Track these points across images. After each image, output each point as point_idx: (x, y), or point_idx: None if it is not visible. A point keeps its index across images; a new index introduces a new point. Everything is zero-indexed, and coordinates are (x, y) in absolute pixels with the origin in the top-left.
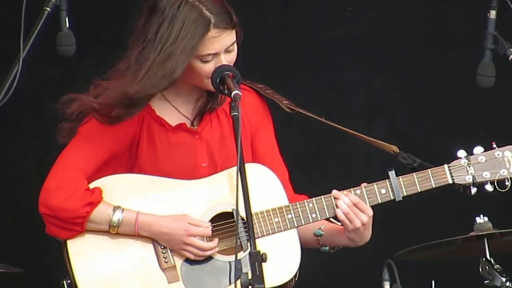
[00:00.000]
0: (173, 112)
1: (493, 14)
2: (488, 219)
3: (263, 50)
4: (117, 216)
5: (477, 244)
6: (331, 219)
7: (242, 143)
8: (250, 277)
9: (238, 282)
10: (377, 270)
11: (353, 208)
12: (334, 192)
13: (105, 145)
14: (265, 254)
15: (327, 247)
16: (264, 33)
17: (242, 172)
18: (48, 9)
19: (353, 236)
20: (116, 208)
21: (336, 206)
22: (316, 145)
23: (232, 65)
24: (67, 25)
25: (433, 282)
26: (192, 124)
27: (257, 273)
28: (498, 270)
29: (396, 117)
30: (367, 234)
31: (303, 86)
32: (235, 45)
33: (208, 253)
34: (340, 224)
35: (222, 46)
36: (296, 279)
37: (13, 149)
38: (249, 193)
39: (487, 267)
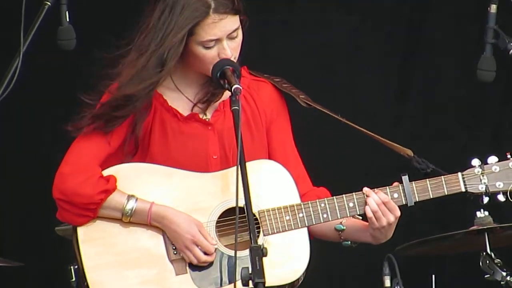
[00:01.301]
0: (185, 102)
1: (493, 8)
2: (489, 214)
3: (271, 49)
4: (130, 205)
5: (477, 238)
6: (356, 216)
7: (256, 134)
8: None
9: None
10: (378, 264)
11: (382, 206)
12: (365, 189)
13: (118, 132)
14: (265, 248)
15: (349, 242)
16: (272, 32)
17: (242, 167)
18: (49, 3)
19: (377, 234)
20: (130, 197)
21: (366, 203)
22: (328, 141)
23: (237, 52)
24: (67, 19)
25: (433, 276)
26: (205, 114)
27: (257, 268)
28: (499, 264)
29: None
30: (390, 233)
31: (314, 87)
32: (239, 32)
33: (202, 264)
34: (361, 219)
35: (223, 32)
36: (303, 278)
37: (14, 141)
38: (256, 192)
39: (487, 262)
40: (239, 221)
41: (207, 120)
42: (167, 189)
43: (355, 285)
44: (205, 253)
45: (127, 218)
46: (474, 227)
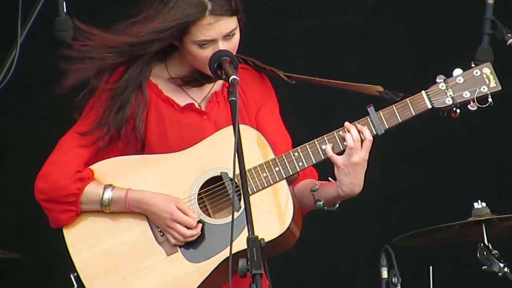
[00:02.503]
0: (180, 93)
1: None
2: (486, 205)
3: (262, 37)
4: (107, 195)
5: (475, 229)
6: (330, 178)
7: (248, 122)
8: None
9: (239, 238)
10: (375, 256)
11: (358, 143)
12: (346, 123)
13: (99, 132)
14: (263, 239)
15: (322, 202)
16: (263, 19)
17: (240, 159)
18: None
19: (341, 176)
20: (106, 186)
21: (344, 139)
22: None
23: (234, 51)
24: (65, 10)
25: (431, 267)
26: (199, 105)
27: (255, 259)
28: (496, 255)
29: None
30: (356, 180)
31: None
32: (236, 32)
33: (188, 239)
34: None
35: (218, 34)
36: (297, 235)
37: (10, 132)
38: (226, 155)
39: (485, 253)
40: (219, 190)
41: (202, 110)
42: (146, 175)
43: (352, 277)
44: (184, 238)
45: (107, 208)
46: (472, 218)
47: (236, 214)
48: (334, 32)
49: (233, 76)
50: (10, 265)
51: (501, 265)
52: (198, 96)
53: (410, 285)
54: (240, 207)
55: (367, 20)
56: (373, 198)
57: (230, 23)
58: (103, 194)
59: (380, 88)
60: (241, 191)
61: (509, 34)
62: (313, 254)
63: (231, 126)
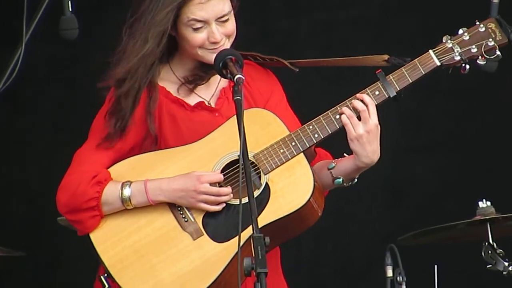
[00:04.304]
0: (189, 93)
1: None
2: (491, 204)
3: (273, 29)
4: (127, 190)
5: (480, 228)
6: (345, 154)
7: None
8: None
9: (262, 215)
10: (380, 254)
11: (362, 113)
12: (357, 95)
13: (119, 141)
14: (267, 238)
15: (340, 178)
16: (274, 12)
17: (245, 157)
18: None
19: (357, 148)
20: (124, 183)
21: (342, 112)
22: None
23: (230, 38)
24: (70, 9)
25: (435, 266)
26: (209, 103)
27: (260, 257)
28: (501, 254)
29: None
30: (373, 147)
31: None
32: (231, 17)
33: (225, 198)
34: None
35: (210, 15)
36: (320, 208)
37: (15, 131)
38: (230, 145)
39: (489, 252)
40: (238, 172)
41: (213, 107)
42: (162, 169)
43: (357, 276)
44: (220, 197)
45: (129, 204)
46: (477, 217)
47: (257, 192)
48: (345, 24)
49: (238, 75)
50: (16, 263)
51: (506, 264)
52: (206, 94)
53: (415, 284)
54: (260, 185)
55: (379, 12)
56: (380, 197)
57: (222, 6)
58: (122, 191)
59: (386, 57)
60: (246, 184)
61: None
62: (318, 252)
63: (244, 111)
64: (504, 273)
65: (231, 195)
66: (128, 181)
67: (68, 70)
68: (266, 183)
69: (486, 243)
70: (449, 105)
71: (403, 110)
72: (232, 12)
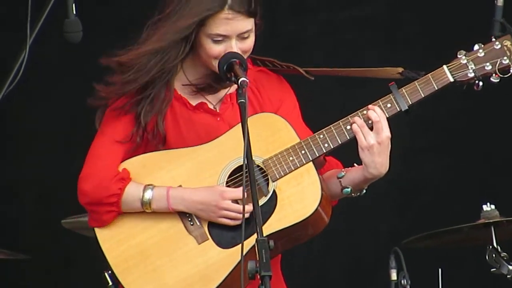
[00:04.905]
0: (195, 95)
1: (500, 1)
2: (495, 207)
3: (280, 30)
4: (148, 194)
5: (484, 232)
6: (355, 164)
7: None
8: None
9: (268, 222)
10: (384, 258)
11: (376, 123)
12: (369, 106)
13: (136, 137)
14: (271, 241)
15: (349, 188)
16: (281, 13)
17: (249, 161)
18: None
19: (366, 158)
20: (147, 186)
21: (353, 122)
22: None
23: (246, 54)
24: (74, 12)
25: (440, 270)
26: (214, 107)
27: (264, 261)
28: (505, 258)
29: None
30: (382, 159)
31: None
32: (251, 35)
33: (241, 214)
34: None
35: (233, 31)
36: (327, 217)
37: (18, 134)
38: (256, 147)
39: (494, 255)
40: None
41: (216, 111)
42: (173, 169)
43: (361, 279)
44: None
45: (148, 207)
46: (481, 221)
47: (264, 199)
48: (352, 25)
49: (242, 78)
50: (21, 267)
51: (510, 267)
52: (213, 98)
53: (419, 287)
54: (268, 192)
55: (386, 13)
56: (385, 201)
57: (246, 23)
58: (143, 193)
59: (401, 69)
60: (251, 192)
61: None
62: (321, 255)
63: (255, 115)
64: (508, 276)
65: (251, 209)
66: (151, 184)
67: (83, 64)
68: (274, 190)
69: (490, 247)
70: (458, 106)
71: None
72: (254, 29)
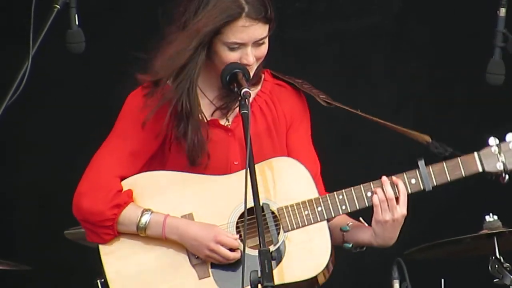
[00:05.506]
0: (206, 105)
1: (502, 12)
2: (498, 218)
3: (288, 38)
4: (145, 219)
5: (486, 242)
6: (361, 219)
7: (276, 139)
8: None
9: (275, 271)
10: (387, 268)
11: (391, 201)
12: (383, 178)
13: (142, 146)
14: (274, 252)
15: (350, 244)
16: (290, 20)
17: (251, 171)
18: (58, 6)
19: (378, 230)
20: (145, 211)
21: (375, 192)
22: (344, 137)
23: (260, 60)
24: (77, 23)
25: (442, 280)
26: (227, 120)
27: (267, 271)
28: (508, 268)
29: (423, 107)
30: (392, 234)
31: (331, 75)
32: (266, 41)
33: (231, 261)
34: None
35: (250, 38)
36: (330, 272)
37: (18, 145)
38: (273, 190)
39: (496, 266)
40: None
41: (228, 126)
42: (184, 195)
43: (378, 280)
44: (227, 261)
45: (143, 232)
46: (484, 231)
47: (273, 248)
48: (360, 34)
49: (245, 89)
50: (22, 277)
51: None
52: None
53: None
54: (277, 241)
55: (394, 23)
56: None
57: (262, 30)
58: (140, 218)
59: (428, 138)
60: (255, 213)
61: None
62: (338, 258)
63: (280, 158)
64: (511, 287)
65: (239, 257)
66: (149, 209)
67: (82, 71)
68: (283, 241)
69: (493, 257)
70: (467, 113)
71: (420, 117)
72: (268, 36)
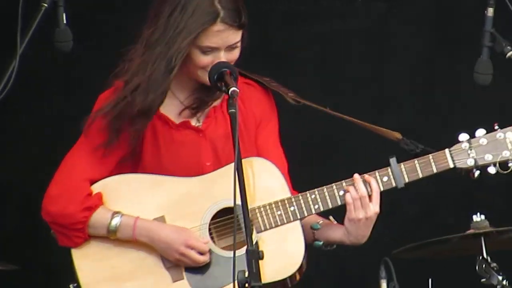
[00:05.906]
0: (176, 107)
1: (490, 11)
2: (485, 218)
3: (271, 40)
4: (115, 221)
5: (473, 242)
6: (331, 217)
7: (246, 138)
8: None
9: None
10: (374, 268)
11: (364, 198)
12: (355, 176)
13: (111, 150)
14: (262, 251)
15: (321, 242)
16: (273, 23)
17: (239, 171)
18: (45, 5)
19: (351, 228)
20: (115, 213)
21: (348, 191)
22: (322, 137)
23: (233, 63)
24: (65, 21)
25: (430, 280)
26: (197, 121)
27: (254, 271)
28: (495, 268)
29: (404, 110)
30: (365, 232)
31: (312, 77)
32: (239, 45)
33: (201, 265)
34: (335, 223)
35: (224, 43)
36: (303, 271)
37: (10, 143)
38: (246, 190)
39: (483, 266)
40: (232, 222)
41: (198, 127)
42: (155, 198)
43: (362, 282)
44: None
45: (113, 235)
46: (471, 231)
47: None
48: (344, 35)
49: (232, 88)
50: (10, 277)
51: (500, 278)
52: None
53: None
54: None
55: (378, 24)
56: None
57: (236, 35)
58: (111, 220)
59: (399, 135)
60: (240, 196)
61: (508, 47)
62: (309, 267)
63: (252, 159)
64: (498, 287)
65: (208, 260)
66: (119, 212)
67: (68, 73)
68: (256, 242)
69: (480, 257)
70: (449, 116)
71: (402, 121)
72: (240, 40)
